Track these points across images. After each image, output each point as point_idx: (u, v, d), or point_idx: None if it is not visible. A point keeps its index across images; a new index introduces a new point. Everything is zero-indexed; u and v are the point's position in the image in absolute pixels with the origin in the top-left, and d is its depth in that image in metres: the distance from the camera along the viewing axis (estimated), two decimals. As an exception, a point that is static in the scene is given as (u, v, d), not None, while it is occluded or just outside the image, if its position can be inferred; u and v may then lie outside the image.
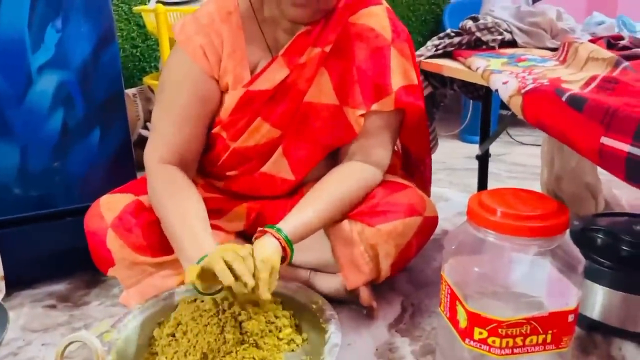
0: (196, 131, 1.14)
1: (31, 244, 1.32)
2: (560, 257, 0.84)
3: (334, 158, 1.19)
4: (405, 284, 1.33)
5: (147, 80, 2.16)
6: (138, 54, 2.48)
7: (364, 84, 1.12)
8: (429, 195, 1.31)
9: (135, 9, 2.06)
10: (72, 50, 1.25)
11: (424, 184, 1.36)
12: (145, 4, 2.24)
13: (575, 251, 0.87)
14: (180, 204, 1.06)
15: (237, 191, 1.24)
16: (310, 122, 1.14)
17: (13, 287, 1.31)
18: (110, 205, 1.12)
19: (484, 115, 1.61)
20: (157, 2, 1.90)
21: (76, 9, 1.23)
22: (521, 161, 2.41)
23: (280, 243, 0.98)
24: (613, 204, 1.64)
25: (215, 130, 1.16)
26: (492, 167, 1.66)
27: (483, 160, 1.64)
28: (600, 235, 1.15)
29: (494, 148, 1.62)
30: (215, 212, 1.19)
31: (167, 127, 1.12)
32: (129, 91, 2.24)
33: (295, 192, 1.24)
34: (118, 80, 1.33)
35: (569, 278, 0.85)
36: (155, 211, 1.09)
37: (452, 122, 2.82)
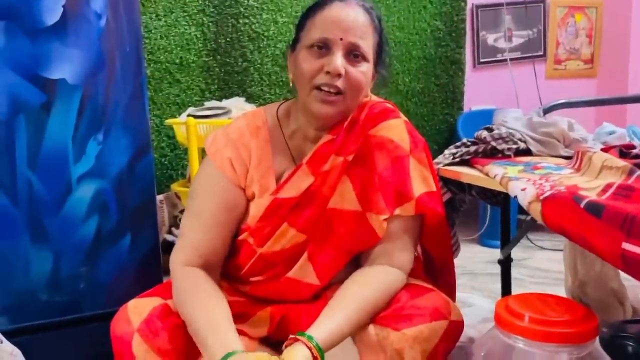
0: (222, 236, 1.18)
1: (54, 351, 1.32)
2: (592, 365, 0.83)
3: (356, 261, 1.21)
4: (432, 395, 1.29)
5: (175, 187, 2.25)
6: (166, 162, 2.61)
7: (385, 190, 1.17)
8: (454, 301, 1.30)
9: (167, 121, 2.20)
10: (110, 161, 1.33)
11: (449, 289, 1.35)
12: (176, 117, 2.39)
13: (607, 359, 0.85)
14: (205, 303, 1.08)
15: (261, 296, 1.25)
16: (335, 228, 1.18)
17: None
18: (138, 310, 1.13)
19: (503, 221, 1.63)
20: (188, 115, 2.03)
21: (117, 123, 1.33)
22: (543, 266, 2.39)
23: (312, 352, 0.97)
24: (641, 310, 1.61)
25: (242, 236, 1.20)
26: (514, 272, 1.66)
27: (505, 265, 1.64)
28: (631, 343, 1.12)
29: (515, 253, 1.63)
30: (239, 317, 1.19)
31: (194, 233, 1.17)
32: (157, 197, 2.32)
33: (319, 295, 1.24)
34: (151, 187, 1.40)
35: (602, 388, 0.83)
36: (180, 312, 1.10)
37: (471, 227, 2.84)
